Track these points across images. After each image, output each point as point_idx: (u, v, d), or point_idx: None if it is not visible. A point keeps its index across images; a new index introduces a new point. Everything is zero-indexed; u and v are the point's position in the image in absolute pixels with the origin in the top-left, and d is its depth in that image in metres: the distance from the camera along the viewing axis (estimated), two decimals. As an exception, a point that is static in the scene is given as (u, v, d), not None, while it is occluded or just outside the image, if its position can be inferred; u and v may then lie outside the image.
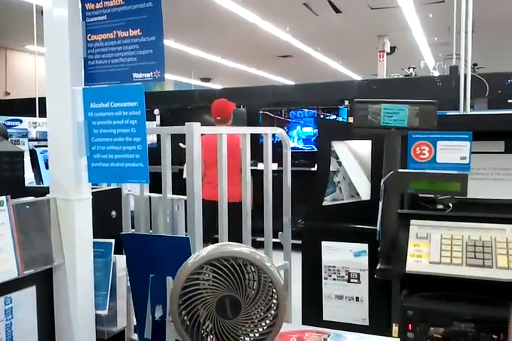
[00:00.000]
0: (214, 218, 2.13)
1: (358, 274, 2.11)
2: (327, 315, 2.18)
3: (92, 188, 1.19)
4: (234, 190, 2.22)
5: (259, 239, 2.51)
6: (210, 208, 2.20)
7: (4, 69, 12.11)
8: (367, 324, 2.11)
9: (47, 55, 1.15)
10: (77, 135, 1.11)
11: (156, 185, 2.00)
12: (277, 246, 2.48)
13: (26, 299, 1.05)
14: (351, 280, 2.13)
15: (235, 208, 2.21)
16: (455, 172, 1.41)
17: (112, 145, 1.09)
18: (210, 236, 2.21)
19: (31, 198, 1.07)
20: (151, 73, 1.09)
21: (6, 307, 1.00)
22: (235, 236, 2.05)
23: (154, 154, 1.58)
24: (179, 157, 2.30)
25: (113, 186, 1.64)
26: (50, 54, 1.14)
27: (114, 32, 1.12)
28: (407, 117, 1.64)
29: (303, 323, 2.09)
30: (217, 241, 1.83)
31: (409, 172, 1.45)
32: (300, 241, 2.27)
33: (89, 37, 1.15)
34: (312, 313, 2.20)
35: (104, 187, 1.51)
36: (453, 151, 1.44)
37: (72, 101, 1.11)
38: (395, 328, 1.77)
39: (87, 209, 1.14)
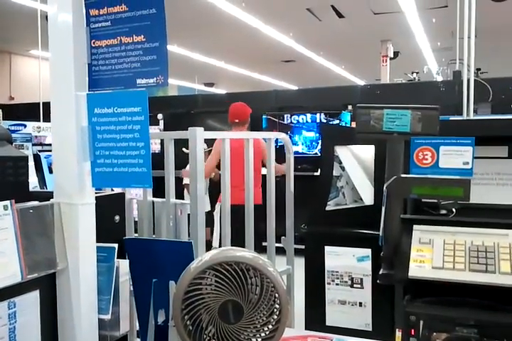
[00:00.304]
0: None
1: (361, 279, 2.11)
2: (330, 320, 2.18)
3: (96, 193, 1.20)
4: (255, 192, 2.28)
5: (262, 243, 2.51)
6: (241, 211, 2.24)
7: (8, 73, 12.16)
8: (370, 329, 2.10)
9: (51, 60, 1.16)
10: (81, 140, 1.12)
11: (159, 190, 2.01)
12: (280, 251, 2.48)
13: (30, 303, 1.05)
14: (354, 285, 2.12)
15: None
16: (458, 177, 1.41)
17: (116, 150, 1.10)
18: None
19: (35, 203, 1.08)
20: (155, 79, 1.09)
21: (9, 312, 1.01)
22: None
23: (158, 159, 1.58)
24: (182, 162, 2.31)
25: (116, 191, 1.65)
26: (55, 59, 1.15)
27: (118, 38, 1.13)
28: (410, 122, 1.65)
29: (306, 328, 2.08)
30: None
31: (412, 177, 1.45)
32: (303, 246, 2.27)
33: (94, 42, 1.16)
34: (315, 318, 2.19)
35: (108, 191, 1.52)
36: (456, 156, 1.44)
37: (76, 107, 1.12)
38: (398, 334, 1.77)
39: (90, 213, 1.14)
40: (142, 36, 1.10)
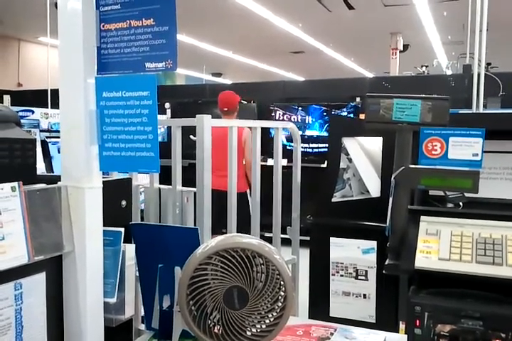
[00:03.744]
0: (220, 207, 2.16)
1: (366, 271, 2.11)
2: (334, 312, 2.18)
3: (103, 177, 1.19)
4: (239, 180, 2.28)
5: (267, 234, 2.50)
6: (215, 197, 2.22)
7: (17, 60, 12.18)
8: (373, 321, 2.11)
9: (60, 43, 1.15)
10: (89, 123, 1.12)
11: (166, 179, 2.01)
12: (285, 242, 2.48)
13: (36, 285, 1.06)
14: (359, 277, 2.12)
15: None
16: (467, 168, 1.40)
17: (124, 134, 1.09)
18: (218, 228, 2.21)
19: (43, 185, 1.08)
20: (164, 63, 1.09)
21: (15, 293, 1.01)
22: (240, 225, 2.08)
23: (165, 148, 1.58)
24: (190, 151, 2.30)
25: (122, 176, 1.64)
26: (64, 42, 1.14)
27: (128, 21, 1.12)
28: (420, 112, 1.63)
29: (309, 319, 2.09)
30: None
31: (421, 168, 1.43)
32: (308, 238, 2.27)
33: (103, 26, 1.15)
34: (319, 309, 2.20)
35: (115, 176, 1.52)
36: (465, 148, 1.42)
37: (84, 90, 1.12)
38: (402, 326, 1.77)
39: (97, 197, 1.14)
40: (152, 19, 1.09)
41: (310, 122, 6.42)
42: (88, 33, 1.13)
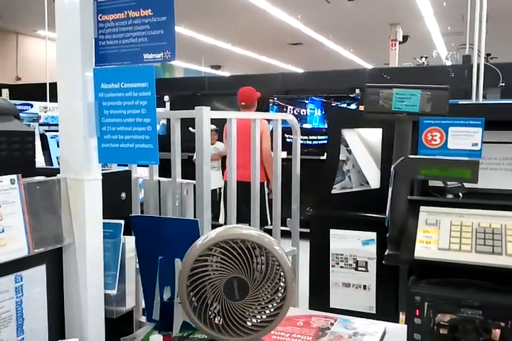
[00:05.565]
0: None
1: (366, 262, 2.11)
2: (334, 303, 2.19)
3: (102, 170, 1.19)
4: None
5: (266, 226, 2.51)
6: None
7: (15, 54, 12.13)
8: (374, 312, 2.11)
9: (58, 35, 1.14)
10: (87, 115, 1.11)
11: (166, 173, 2.01)
12: (285, 235, 2.49)
13: (36, 277, 1.06)
14: (359, 268, 2.13)
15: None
16: (466, 158, 1.39)
17: (122, 126, 1.09)
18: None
19: (42, 177, 1.07)
20: (162, 54, 1.08)
21: (16, 285, 1.01)
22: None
23: (164, 141, 1.58)
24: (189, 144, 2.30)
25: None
26: (62, 34, 1.14)
27: (125, 12, 1.11)
28: (419, 102, 1.63)
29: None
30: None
31: (420, 158, 1.43)
32: (308, 230, 2.27)
33: (100, 17, 1.15)
34: (319, 301, 2.20)
35: (114, 168, 1.51)
36: (465, 137, 1.42)
37: (82, 82, 1.11)
38: (402, 317, 1.77)
39: (97, 189, 1.14)
40: (149, 10, 1.08)
41: (309, 114, 6.40)
42: (86, 24, 1.12)
